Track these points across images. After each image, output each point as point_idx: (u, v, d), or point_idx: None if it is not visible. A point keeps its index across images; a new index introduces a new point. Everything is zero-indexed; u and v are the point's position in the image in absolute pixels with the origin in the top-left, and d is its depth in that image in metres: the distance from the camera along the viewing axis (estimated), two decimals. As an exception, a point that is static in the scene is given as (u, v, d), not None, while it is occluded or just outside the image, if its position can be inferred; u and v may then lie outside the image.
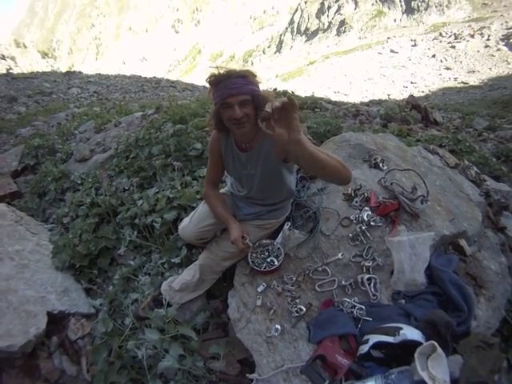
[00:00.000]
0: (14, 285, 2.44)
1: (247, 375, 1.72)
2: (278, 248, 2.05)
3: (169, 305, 2.14)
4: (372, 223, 2.03)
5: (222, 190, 2.30)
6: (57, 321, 2.37)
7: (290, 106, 1.18)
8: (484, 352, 1.46)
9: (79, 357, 2.22)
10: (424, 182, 2.14)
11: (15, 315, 2.19)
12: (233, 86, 1.58)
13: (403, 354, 1.43)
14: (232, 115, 1.62)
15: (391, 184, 2.23)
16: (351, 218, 2.12)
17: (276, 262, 1.99)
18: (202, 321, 2.12)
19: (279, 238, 2.07)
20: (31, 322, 2.19)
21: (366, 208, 2.10)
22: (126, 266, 2.64)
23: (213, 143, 1.97)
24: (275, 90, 11.56)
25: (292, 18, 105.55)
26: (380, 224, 2.02)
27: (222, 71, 1.60)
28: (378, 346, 1.49)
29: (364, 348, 1.50)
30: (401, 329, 1.46)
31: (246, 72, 1.63)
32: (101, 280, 2.73)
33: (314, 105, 8.48)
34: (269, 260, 2.01)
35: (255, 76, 1.67)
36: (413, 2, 74.73)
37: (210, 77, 1.63)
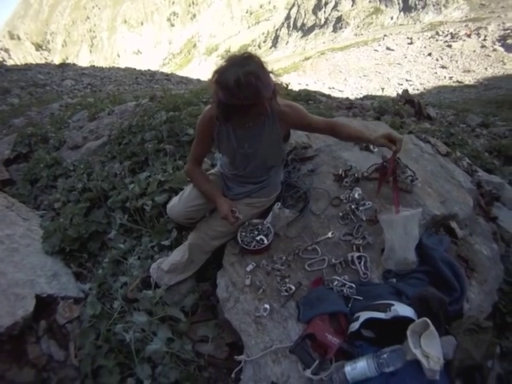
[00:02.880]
0: (2, 268, 2.41)
1: (235, 357, 1.71)
2: (268, 227, 2.04)
3: (157, 286, 2.12)
4: (362, 202, 2.06)
5: (211, 171, 2.29)
6: (45, 305, 2.35)
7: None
8: (477, 335, 1.47)
9: (67, 341, 2.19)
10: (406, 166, 2.20)
11: (3, 297, 2.16)
12: (250, 95, 1.48)
13: (395, 332, 1.42)
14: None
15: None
16: (341, 197, 2.13)
17: (265, 241, 1.98)
18: (190, 303, 2.10)
19: (269, 218, 2.06)
20: (19, 305, 2.16)
21: (357, 188, 2.10)
22: (116, 249, 2.61)
23: (205, 122, 1.87)
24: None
25: (289, 14, 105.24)
26: (370, 203, 2.04)
27: (232, 72, 1.45)
28: (369, 322, 1.48)
29: (355, 325, 1.49)
30: (392, 305, 1.46)
31: (257, 69, 1.50)
32: (90, 264, 2.71)
33: (307, 97, 8.47)
34: (258, 238, 2.01)
35: (263, 64, 1.57)
36: (410, 0, 74.74)
37: (218, 74, 1.51)
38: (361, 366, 1.34)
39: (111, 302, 2.17)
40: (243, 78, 1.43)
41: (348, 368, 1.36)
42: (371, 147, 2.44)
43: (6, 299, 2.16)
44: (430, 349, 1.27)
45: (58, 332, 2.24)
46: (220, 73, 1.50)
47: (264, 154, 1.89)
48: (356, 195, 2.05)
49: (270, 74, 1.61)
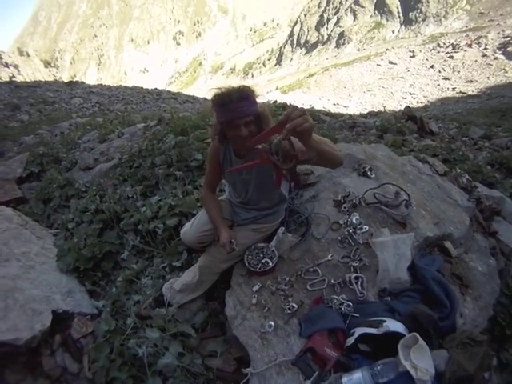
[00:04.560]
0: (20, 284, 2.51)
1: (242, 370, 1.81)
2: (273, 250, 2.18)
3: (169, 305, 2.25)
4: (359, 226, 2.18)
5: (221, 197, 2.46)
6: (60, 320, 2.44)
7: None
8: (471, 348, 1.54)
9: (81, 355, 2.28)
10: (402, 189, 2.31)
11: (21, 312, 2.27)
12: (239, 109, 1.70)
13: (389, 347, 1.50)
14: (238, 134, 1.76)
15: (374, 195, 2.38)
16: (340, 222, 2.26)
17: (270, 263, 2.13)
18: (200, 320, 2.23)
19: (273, 242, 2.21)
20: (37, 319, 2.26)
21: (355, 213, 2.24)
22: (129, 269, 2.74)
23: (213, 152, 2.11)
24: (275, 102, 11.71)
25: (292, 31, 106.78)
26: (367, 227, 2.17)
27: (226, 92, 1.71)
28: (363, 338, 1.59)
29: (350, 340, 1.61)
30: (384, 321, 1.57)
31: (247, 91, 1.74)
32: (104, 283, 2.83)
33: (311, 117, 8.61)
34: (263, 261, 2.15)
35: (254, 93, 1.78)
36: (411, 14, 75.62)
37: (214, 97, 1.75)
38: (357, 377, 1.45)
39: (124, 319, 2.28)
40: (236, 93, 1.70)
41: (345, 379, 1.47)
42: (368, 173, 2.58)
43: (25, 314, 2.27)
44: (418, 361, 1.37)
45: (72, 346, 2.33)
46: (217, 96, 1.74)
47: (259, 179, 2.03)
48: (354, 220, 2.19)
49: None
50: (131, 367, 2.02)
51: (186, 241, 2.40)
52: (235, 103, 1.69)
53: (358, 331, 1.61)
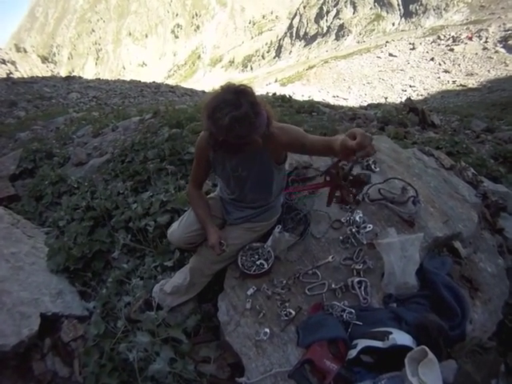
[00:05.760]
0: (8, 286, 2.44)
1: (236, 379, 1.72)
2: (268, 251, 2.05)
3: (160, 307, 2.14)
4: (363, 225, 2.05)
5: (211, 195, 2.31)
6: (50, 323, 2.38)
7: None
8: (480, 357, 1.46)
9: (72, 359, 2.22)
10: (409, 184, 2.18)
11: (8, 316, 2.20)
12: (245, 135, 1.51)
13: (394, 358, 1.42)
14: None
15: (379, 191, 2.25)
16: (342, 220, 2.14)
17: (266, 265, 2.00)
18: (193, 324, 2.12)
19: (269, 241, 2.07)
20: (24, 323, 2.19)
21: (358, 211, 2.11)
22: (119, 269, 2.64)
23: (201, 145, 1.89)
24: (274, 94, 11.64)
25: (291, 23, 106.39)
26: (371, 226, 2.04)
27: (230, 120, 1.44)
28: (367, 350, 1.48)
29: (352, 353, 1.50)
30: (390, 333, 1.46)
31: (253, 107, 1.50)
32: (95, 283, 2.73)
33: (311, 109, 8.54)
34: (258, 263, 2.03)
35: (255, 98, 1.55)
36: (411, 6, 75.28)
37: (213, 115, 1.48)
38: (358, 393, 1.34)
39: (115, 321, 2.19)
40: (235, 124, 1.45)
41: (346, 394, 1.36)
42: (372, 167, 2.45)
43: (12, 318, 2.19)
44: (427, 377, 1.27)
45: (62, 349, 2.27)
46: (212, 110, 1.49)
47: (258, 176, 1.88)
48: (357, 218, 2.06)
49: (263, 104, 1.60)
50: (122, 372, 1.94)
51: (174, 241, 2.25)
52: (235, 133, 1.48)
53: (361, 343, 1.50)
